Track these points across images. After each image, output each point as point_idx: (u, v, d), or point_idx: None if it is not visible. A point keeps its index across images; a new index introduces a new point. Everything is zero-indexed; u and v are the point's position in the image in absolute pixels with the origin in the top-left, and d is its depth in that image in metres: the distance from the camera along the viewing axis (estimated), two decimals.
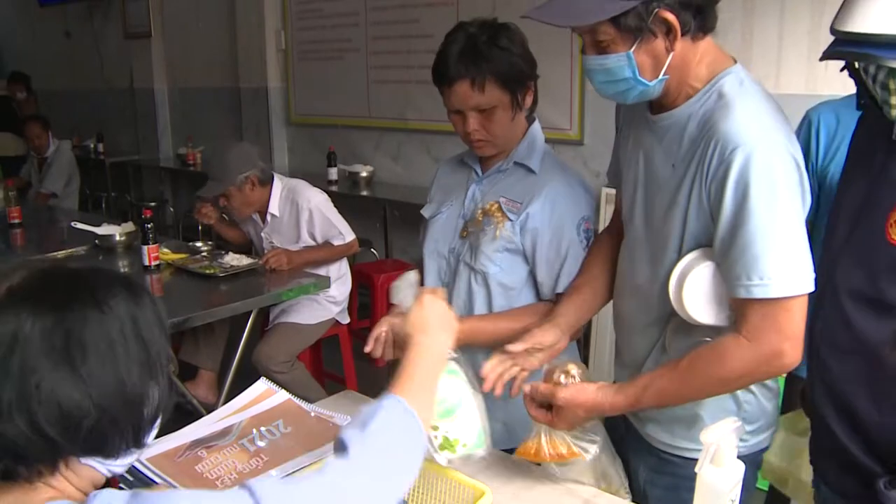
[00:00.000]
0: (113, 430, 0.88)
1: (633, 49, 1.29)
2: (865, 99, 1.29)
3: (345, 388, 3.29)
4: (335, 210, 3.51)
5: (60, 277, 0.89)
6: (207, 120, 6.82)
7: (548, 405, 1.43)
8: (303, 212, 3.41)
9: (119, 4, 7.44)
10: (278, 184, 3.48)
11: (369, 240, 5.08)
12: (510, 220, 1.73)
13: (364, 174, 5.22)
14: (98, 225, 3.73)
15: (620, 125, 1.62)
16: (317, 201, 3.45)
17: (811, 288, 1.29)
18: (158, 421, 0.95)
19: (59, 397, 0.82)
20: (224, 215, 3.68)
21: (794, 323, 1.29)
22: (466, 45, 1.66)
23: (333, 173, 5.23)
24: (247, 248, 3.86)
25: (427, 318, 1.20)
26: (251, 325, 3.09)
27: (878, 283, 1.25)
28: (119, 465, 0.92)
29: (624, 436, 1.61)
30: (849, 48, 1.12)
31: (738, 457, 1.37)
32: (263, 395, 1.66)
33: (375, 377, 4.11)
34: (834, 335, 1.33)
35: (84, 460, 0.89)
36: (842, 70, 1.33)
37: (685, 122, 1.37)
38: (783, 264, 1.26)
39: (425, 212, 1.93)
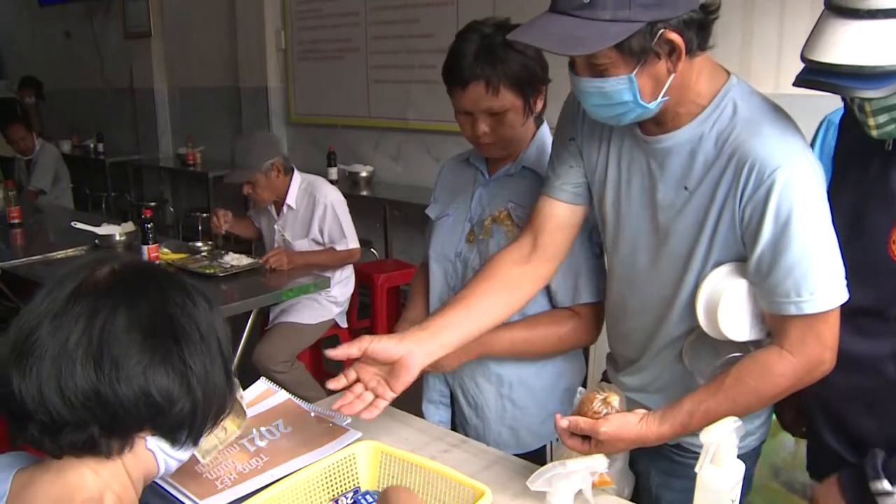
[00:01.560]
0: (191, 419, 0.92)
1: (635, 72, 1.23)
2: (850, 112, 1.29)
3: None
4: (348, 214, 3.53)
5: (148, 272, 0.95)
6: (207, 120, 6.82)
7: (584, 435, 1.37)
8: (318, 206, 3.45)
9: (119, 4, 7.44)
10: (297, 177, 3.53)
11: (369, 240, 5.08)
12: (519, 227, 1.69)
13: (364, 174, 5.22)
14: (98, 225, 3.73)
15: (573, 136, 1.53)
16: (333, 199, 3.48)
17: (846, 297, 1.28)
18: (221, 420, 0.99)
19: (161, 380, 0.88)
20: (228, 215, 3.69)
21: (833, 332, 1.30)
22: (482, 46, 1.60)
23: (333, 173, 5.23)
24: (247, 247, 3.86)
25: None
26: (251, 324, 3.09)
27: (881, 299, 1.26)
28: (175, 461, 0.96)
29: None
30: (817, 77, 1.13)
31: (750, 449, 1.43)
32: (263, 395, 1.66)
33: None
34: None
35: (150, 444, 0.92)
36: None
37: (697, 142, 1.33)
38: (828, 279, 1.26)
39: (430, 212, 1.90)
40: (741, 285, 1.34)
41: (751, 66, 3.61)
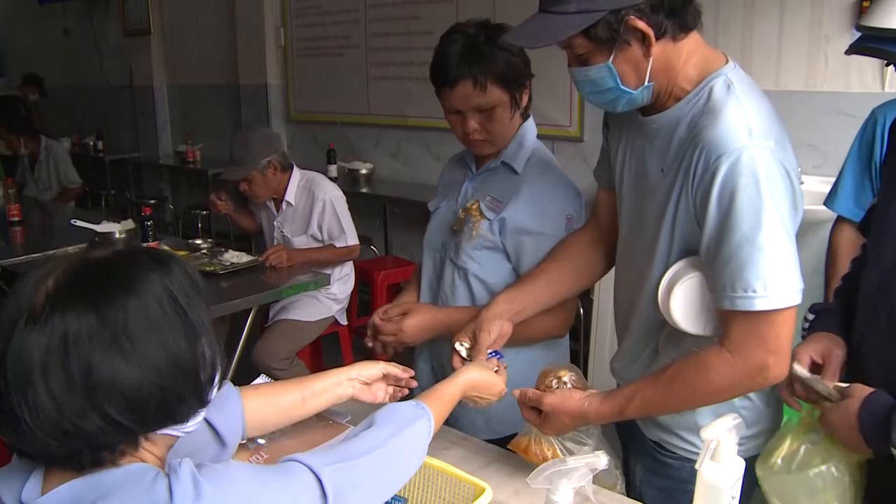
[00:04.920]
0: (178, 401, 0.91)
1: (611, 59, 1.27)
2: None
3: None
4: (347, 211, 3.53)
5: (91, 271, 0.91)
6: (207, 117, 6.82)
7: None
8: (318, 202, 3.45)
9: (118, 2, 7.43)
10: (297, 173, 3.52)
11: (369, 237, 5.08)
12: (487, 219, 1.76)
13: (364, 171, 5.22)
14: (98, 222, 3.72)
15: (605, 125, 1.61)
16: (333, 195, 3.48)
17: (798, 301, 1.25)
18: (217, 376, 0.97)
19: (122, 386, 0.85)
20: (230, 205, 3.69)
21: (779, 337, 1.26)
22: (466, 46, 1.66)
23: (333, 170, 5.22)
24: (247, 243, 3.85)
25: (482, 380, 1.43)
26: (251, 322, 3.09)
27: None
28: (191, 426, 0.96)
29: (628, 435, 1.62)
30: (870, 43, 1.13)
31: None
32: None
33: None
34: (890, 356, 1.30)
35: (160, 431, 0.93)
36: (886, 65, 1.32)
37: (675, 126, 1.34)
38: (768, 277, 1.22)
39: (430, 205, 1.98)
40: (696, 277, 1.33)
41: (751, 64, 3.61)
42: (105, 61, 7.84)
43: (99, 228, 3.65)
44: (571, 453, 1.41)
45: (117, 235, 3.61)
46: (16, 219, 4.18)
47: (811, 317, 1.51)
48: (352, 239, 3.50)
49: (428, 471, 1.32)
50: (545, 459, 1.40)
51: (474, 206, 1.80)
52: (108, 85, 7.85)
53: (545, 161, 1.80)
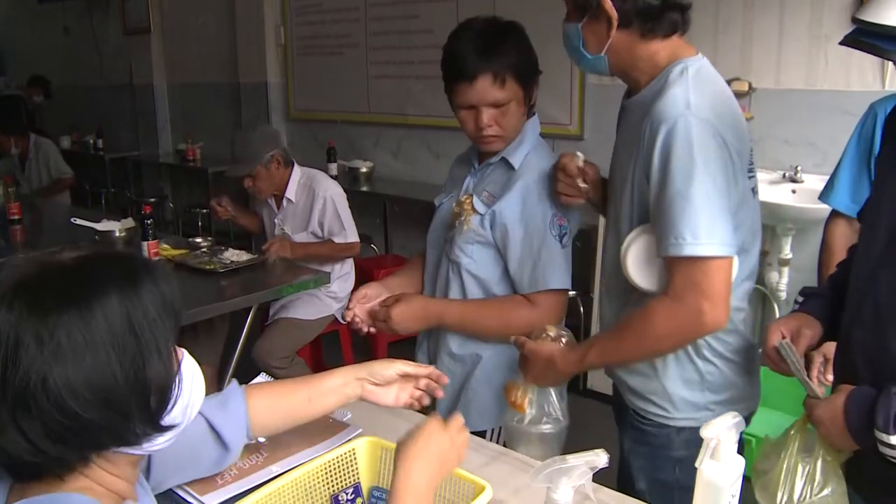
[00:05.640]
0: (121, 423, 0.86)
1: (581, 24, 1.49)
2: None
3: None
4: (348, 208, 3.54)
5: (48, 275, 0.86)
6: (207, 116, 6.82)
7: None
8: (318, 199, 3.46)
9: (118, 1, 7.43)
10: (298, 170, 3.53)
11: (369, 235, 5.08)
12: (479, 213, 1.78)
13: (364, 170, 5.22)
14: (98, 221, 3.72)
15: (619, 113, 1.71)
16: (333, 192, 3.49)
17: (729, 253, 1.38)
18: (173, 401, 0.91)
19: (39, 404, 0.80)
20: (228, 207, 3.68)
21: (713, 284, 1.38)
22: (482, 41, 1.68)
23: (333, 169, 5.22)
24: (247, 241, 3.85)
25: (418, 451, 1.11)
26: (251, 320, 3.09)
27: None
28: (152, 447, 0.91)
29: (618, 411, 1.72)
30: (863, 37, 1.15)
31: (695, 428, 1.44)
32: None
33: None
34: (873, 347, 1.31)
35: (114, 449, 0.88)
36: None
37: (638, 107, 1.51)
38: (696, 226, 1.36)
39: (436, 201, 2.01)
40: (647, 236, 1.48)
41: (751, 63, 3.61)
42: (105, 60, 7.84)
43: (99, 227, 3.65)
44: (531, 405, 1.59)
45: (117, 234, 3.61)
46: (16, 217, 4.18)
47: (800, 299, 1.54)
48: (352, 236, 3.50)
49: None
50: (513, 405, 1.61)
51: (467, 201, 1.82)
52: (108, 84, 7.85)
53: (543, 159, 1.81)
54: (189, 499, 1.32)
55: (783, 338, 1.41)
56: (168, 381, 0.90)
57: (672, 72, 1.45)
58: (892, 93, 2.09)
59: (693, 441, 1.51)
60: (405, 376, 1.41)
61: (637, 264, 1.50)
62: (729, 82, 3.63)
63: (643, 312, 1.46)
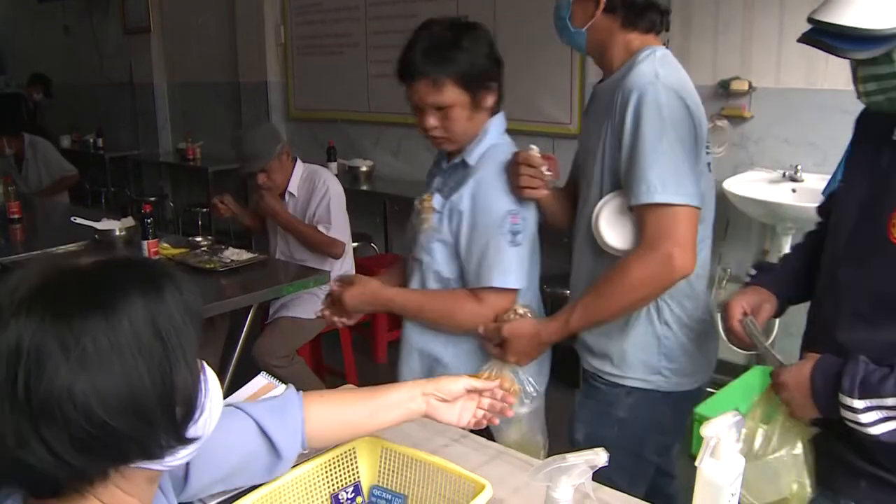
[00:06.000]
0: (147, 433, 0.82)
1: None
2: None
3: (344, 382, 3.29)
4: (343, 208, 3.55)
5: (69, 279, 0.82)
6: (207, 115, 6.82)
7: (500, 342, 1.69)
8: (317, 192, 3.48)
9: (118, 0, 7.42)
10: (300, 166, 3.56)
11: (369, 234, 5.08)
12: (438, 211, 1.82)
13: (364, 169, 5.22)
14: (98, 220, 3.72)
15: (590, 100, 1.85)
16: (333, 190, 3.51)
17: (695, 203, 1.53)
18: (198, 413, 0.87)
19: (65, 413, 0.76)
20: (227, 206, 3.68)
21: (682, 230, 1.52)
22: (430, 45, 1.72)
23: (333, 168, 5.22)
24: (247, 241, 3.84)
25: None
26: (251, 319, 3.09)
27: (886, 282, 1.27)
28: (174, 461, 0.87)
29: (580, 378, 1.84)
30: (815, 35, 1.18)
31: (659, 391, 1.66)
32: (264, 390, 1.66)
33: (375, 372, 4.11)
34: (832, 341, 1.34)
35: (135, 464, 0.84)
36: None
37: (608, 89, 1.65)
38: (665, 176, 1.51)
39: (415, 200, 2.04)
40: (619, 198, 1.61)
41: (751, 62, 3.61)
42: (105, 59, 7.84)
43: (99, 226, 3.65)
44: (523, 387, 1.65)
45: (117, 233, 3.61)
46: (16, 216, 4.18)
47: (753, 272, 1.58)
48: (337, 233, 3.48)
49: (428, 468, 1.32)
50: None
51: (427, 199, 1.86)
52: (108, 83, 7.84)
53: (501, 156, 1.80)
54: (171, 493, 1.32)
55: (744, 313, 1.46)
56: (194, 390, 0.87)
57: (641, 54, 1.61)
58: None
59: (638, 405, 1.69)
60: (472, 391, 1.34)
61: (609, 224, 1.61)
62: (729, 82, 3.65)
63: (618, 266, 1.58)
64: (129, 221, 3.69)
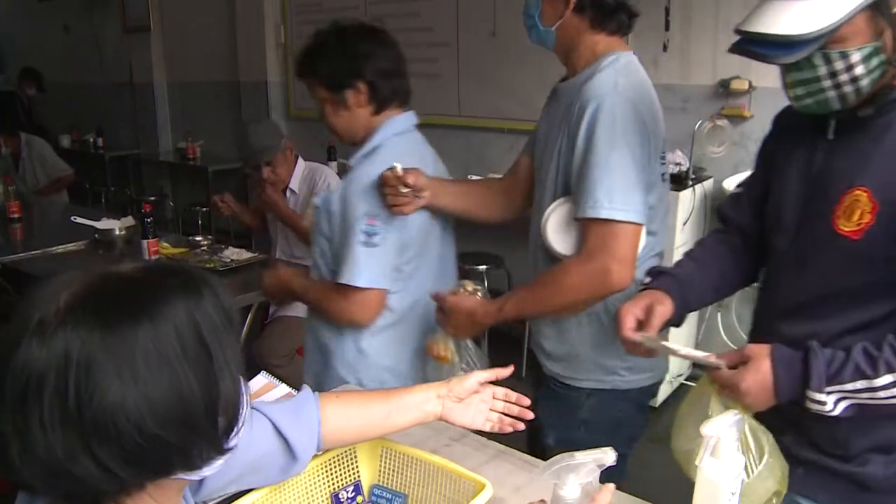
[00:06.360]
0: (194, 444, 0.80)
1: None
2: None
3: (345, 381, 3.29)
4: None
5: (111, 287, 0.80)
6: (207, 114, 6.82)
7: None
8: (318, 189, 3.48)
9: None
10: (302, 163, 3.56)
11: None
12: (318, 208, 1.91)
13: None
14: (98, 219, 3.72)
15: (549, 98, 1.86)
16: (334, 186, 3.48)
17: (639, 220, 1.54)
18: (241, 423, 0.86)
19: (118, 428, 0.74)
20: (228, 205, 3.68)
21: (622, 247, 1.54)
22: (304, 49, 1.89)
23: (333, 167, 5.21)
24: (247, 240, 3.84)
25: None
26: (251, 318, 3.09)
27: (834, 276, 1.30)
28: (208, 471, 0.84)
29: (537, 378, 1.85)
30: (743, 45, 1.23)
31: (617, 390, 1.69)
32: (264, 389, 1.66)
33: None
34: (779, 328, 1.38)
35: (174, 476, 0.82)
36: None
37: (567, 91, 1.68)
38: (613, 192, 1.52)
39: None
40: (567, 205, 1.64)
41: (752, 62, 3.59)
42: (105, 58, 7.84)
43: (99, 225, 3.65)
44: (459, 357, 1.74)
45: (117, 232, 3.61)
46: (16, 216, 4.18)
47: (647, 280, 1.54)
48: None
49: (428, 467, 1.32)
50: (438, 357, 1.76)
51: (314, 198, 2.00)
52: (108, 82, 7.84)
53: (379, 159, 1.84)
54: (189, 495, 1.32)
55: (637, 321, 1.42)
56: (238, 399, 0.85)
57: (605, 60, 1.62)
58: None
59: (600, 405, 1.71)
60: (484, 384, 1.33)
61: (556, 230, 1.65)
62: (729, 81, 3.65)
63: (556, 270, 1.63)
64: (129, 221, 3.70)
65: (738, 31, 1.24)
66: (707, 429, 1.16)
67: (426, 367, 1.83)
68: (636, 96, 1.57)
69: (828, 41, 1.17)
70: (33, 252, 3.49)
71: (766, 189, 1.48)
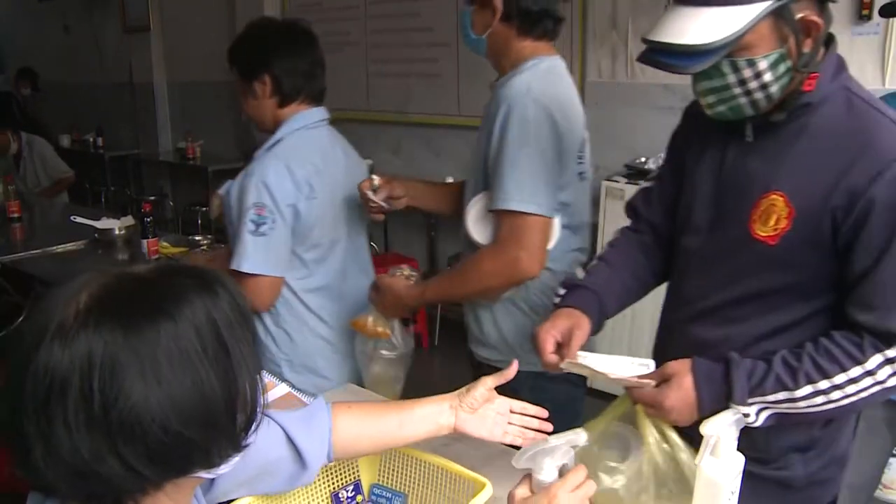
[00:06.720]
0: (204, 450, 0.80)
1: (471, 8, 1.78)
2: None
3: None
4: None
5: (129, 287, 0.80)
6: (207, 114, 6.81)
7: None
8: None
9: None
10: None
11: (369, 233, 5.07)
12: (221, 196, 2.01)
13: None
14: (97, 219, 3.72)
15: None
16: None
17: (547, 213, 1.66)
18: (257, 421, 0.86)
19: (143, 428, 0.75)
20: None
21: (531, 237, 1.65)
22: (236, 37, 2.03)
23: None
24: None
25: None
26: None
27: (748, 280, 1.31)
28: (224, 469, 0.85)
29: (477, 366, 1.93)
30: (649, 55, 1.22)
31: (538, 373, 1.64)
32: (264, 389, 1.66)
33: None
34: (689, 331, 1.39)
35: (193, 474, 0.83)
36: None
37: (494, 94, 1.76)
38: (521, 186, 1.63)
39: None
40: (485, 198, 1.74)
41: None
42: (105, 58, 7.84)
43: (99, 225, 3.65)
44: (393, 333, 1.88)
45: (117, 232, 3.61)
46: (15, 215, 4.18)
47: (562, 292, 1.52)
48: None
49: (428, 466, 1.32)
50: (376, 332, 1.88)
51: (219, 189, 2.06)
52: (108, 82, 7.84)
53: (273, 151, 1.96)
54: (200, 494, 1.32)
55: (557, 343, 1.40)
56: (255, 396, 0.85)
57: (526, 64, 1.72)
58: (888, 92, 2.09)
59: (539, 387, 1.73)
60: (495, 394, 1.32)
61: (475, 222, 1.78)
62: None
63: (472, 258, 1.76)
64: (129, 220, 3.69)
65: (644, 41, 1.23)
66: (707, 428, 1.16)
67: (354, 340, 1.97)
68: (549, 99, 1.66)
69: (734, 49, 1.18)
70: (33, 252, 3.49)
71: (678, 186, 1.48)
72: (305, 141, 2.00)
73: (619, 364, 1.36)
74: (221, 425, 0.81)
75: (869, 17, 3.23)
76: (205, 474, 0.84)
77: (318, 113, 2.06)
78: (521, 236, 1.65)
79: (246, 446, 0.86)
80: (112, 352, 0.74)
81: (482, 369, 1.86)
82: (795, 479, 1.38)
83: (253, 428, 0.86)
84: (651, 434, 1.29)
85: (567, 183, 1.73)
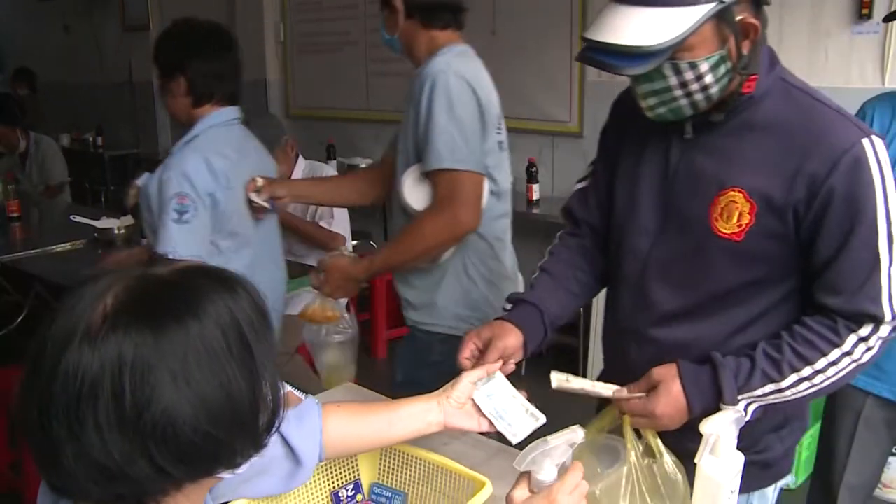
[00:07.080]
0: (231, 451, 0.81)
1: (384, 13, 1.97)
2: None
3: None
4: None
5: (154, 289, 0.80)
6: None
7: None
8: None
9: None
10: (302, 161, 3.56)
11: (368, 232, 5.08)
12: (139, 187, 2.14)
13: (363, 167, 5.20)
14: (97, 218, 3.73)
15: None
16: None
17: (479, 170, 1.80)
18: (278, 422, 0.87)
19: (175, 430, 0.75)
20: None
21: (466, 192, 1.78)
22: (158, 36, 2.19)
23: (333, 166, 5.22)
24: None
25: None
26: None
27: (715, 279, 1.31)
28: (243, 468, 0.86)
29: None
30: (590, 54, 1.20)
31: (450, 335, 1.80)
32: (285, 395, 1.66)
33: (375, 370, 4.11)
34: (646, 332, 1.39)
35: (216, 474, 0.84)
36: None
37: (414, 81, 1.89)
38: (454, 147, 1.76)
39: None
40: (419, 168, 1.85)
41: None
42: (104, 57, 7.83)
43: (98, 224, 3.65)
44: (342, 315, 1.97)
45: (116, 231, 3.61)
46: (15, 214, 4.18)
47: (508, 306, 1.51)
48: (338, 228, 3.48)
49: (428, 465, 1.32)
50: (327, 319, 1.95)
51: (136, 180, 2.22)
52: (107, 81, 7.83)
53: (190, 145, 2.07)
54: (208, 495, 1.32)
55: (475, 349, 1.39)
56: (278, 396, 0.86)
57: (442, 50, 1.88)
58: (886, 91, 2.09)
59: (450, 350, 1.63)
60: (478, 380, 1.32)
61: (411, 189, 1.87)
62: None
63: (414, 220, 1.85)
64: (129, 219, 3.69)
65: (584, 39, 1.21)
66: (707, 427, 1.16)
67: (302, 334, 2.11)
68: (468, 73, 1.83)
69: (676, 51, 1.17)
70: (33, 251, 3.49)
71: (612, 184, 1.47)
72: (221, 136, 2.11)
73: (515, 412, 1.31)
74: (248, 425, 0.81)
75: (869, 17, 3.23)
76: (227, 474, 0.84)
77: (232, 112, 2.19)
78: (457, 192, 1.77)
79: (265, 445, 0.86)
80: (142, 354, 0.74)
81: (410, 331, 2.02)
82: (774, 458, 1.43)
83: (275, 427, 0.86)
84: (633, 448, 1.29)
85: (490, 149, 1.87)
